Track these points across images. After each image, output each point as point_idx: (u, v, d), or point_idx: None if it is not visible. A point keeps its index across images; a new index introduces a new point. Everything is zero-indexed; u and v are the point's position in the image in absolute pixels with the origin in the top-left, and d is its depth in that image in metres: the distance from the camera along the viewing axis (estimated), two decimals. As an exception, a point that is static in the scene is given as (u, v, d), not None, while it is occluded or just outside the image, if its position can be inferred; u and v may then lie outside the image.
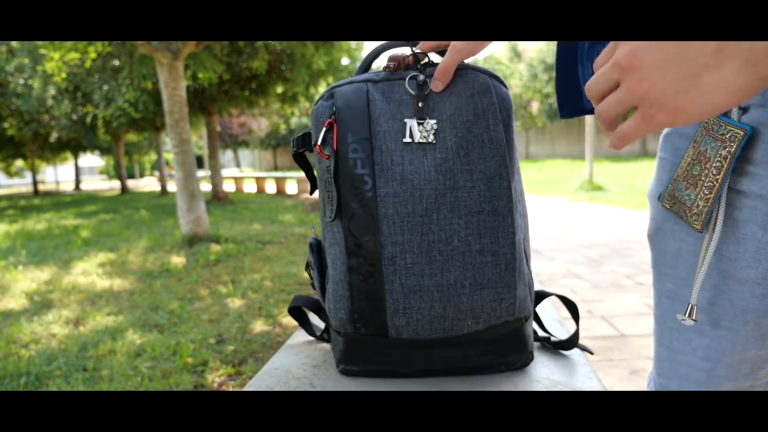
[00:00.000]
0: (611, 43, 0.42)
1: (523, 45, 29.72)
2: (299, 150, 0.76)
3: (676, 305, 0.67)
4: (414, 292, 0.64)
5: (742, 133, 0.55)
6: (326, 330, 0.87)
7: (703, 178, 0.59)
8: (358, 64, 10.46)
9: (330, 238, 0.69)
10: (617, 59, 0.39)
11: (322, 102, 0.70)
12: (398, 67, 0.68)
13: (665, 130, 0.68)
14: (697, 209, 0.59)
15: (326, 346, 0.87)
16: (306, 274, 4.20)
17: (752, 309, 0.59)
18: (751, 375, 0.64)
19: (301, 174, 14.88)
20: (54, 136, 17.18)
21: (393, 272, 0.64)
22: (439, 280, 0.64)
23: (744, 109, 0.56)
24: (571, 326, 2.86)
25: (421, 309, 0.65)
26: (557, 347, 0.81)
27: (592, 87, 0.43)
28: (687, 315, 0.60)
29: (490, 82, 0.67)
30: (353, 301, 0.67)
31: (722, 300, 0.61)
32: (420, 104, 0.66)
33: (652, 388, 0.76)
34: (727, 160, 0.56)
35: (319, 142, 0.68)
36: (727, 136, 0.56)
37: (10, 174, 27.30)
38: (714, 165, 0.57)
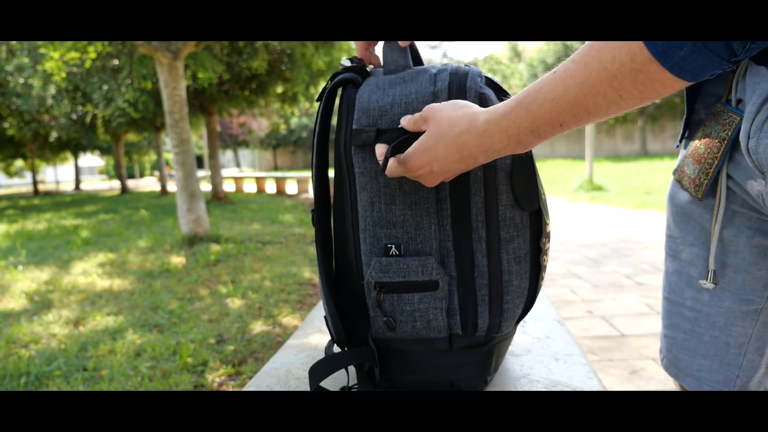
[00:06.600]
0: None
1: (523, 45, 29.71)
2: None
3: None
4: None
5: (738, 118, 0.61)
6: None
7: (705, 156, 0.67)
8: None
9: None
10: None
11: None
12: None
13: None
14: (698, 181, 0.69)
15: (324, 344, 0.87)
16: (308, 274, 4.20)
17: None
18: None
19: (300, 174, 14.86)
20: (54, 136, 17.15)
21: None
22: None
23: (739, 101, 0.62)
24: (571, 327, 2.86)
25: None
26: None
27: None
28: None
29: None
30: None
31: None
32: None
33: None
34: (725, 141, 0.64)
35: None
36: (727, 121, 0.64)
37: (10, 174, 27.28)
38: (714, 145, 0.66)
